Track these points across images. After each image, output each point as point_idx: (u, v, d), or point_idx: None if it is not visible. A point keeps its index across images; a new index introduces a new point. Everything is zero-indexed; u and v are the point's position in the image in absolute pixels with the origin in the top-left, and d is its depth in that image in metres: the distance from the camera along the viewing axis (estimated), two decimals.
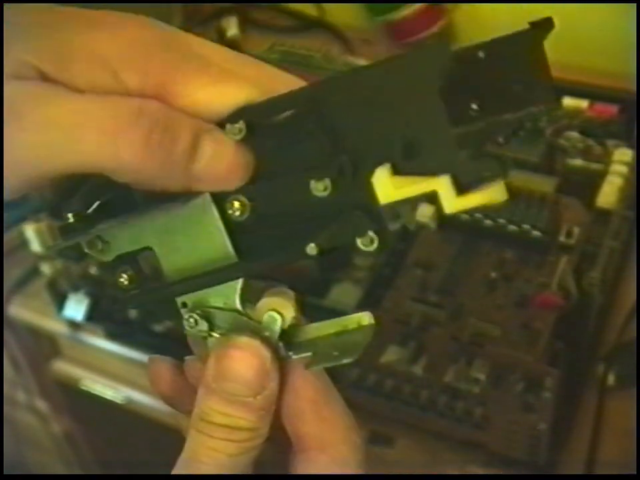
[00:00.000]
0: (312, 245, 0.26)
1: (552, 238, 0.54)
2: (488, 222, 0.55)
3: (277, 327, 0.27)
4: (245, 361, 0.26)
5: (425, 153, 0.24)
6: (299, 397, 0.28)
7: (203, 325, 0.28)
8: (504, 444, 0.52)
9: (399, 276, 0.54)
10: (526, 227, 0.54)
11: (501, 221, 0.55)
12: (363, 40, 0.82)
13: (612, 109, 0.60)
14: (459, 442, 0.54)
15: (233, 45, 0.75)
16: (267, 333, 0.27)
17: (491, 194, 0.23)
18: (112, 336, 0.66)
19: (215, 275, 0.27)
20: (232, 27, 0.78)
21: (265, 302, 0.27)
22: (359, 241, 0.25)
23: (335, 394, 0.29)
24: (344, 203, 0.25)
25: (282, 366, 0.27)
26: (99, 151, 0.23)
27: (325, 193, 0.25)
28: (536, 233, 0.54)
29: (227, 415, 0.26)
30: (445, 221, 0.56)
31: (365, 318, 0.27)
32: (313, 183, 0.25)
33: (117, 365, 0.72)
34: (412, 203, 0.25)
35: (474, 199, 0.23)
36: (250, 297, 0.28)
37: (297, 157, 0.25)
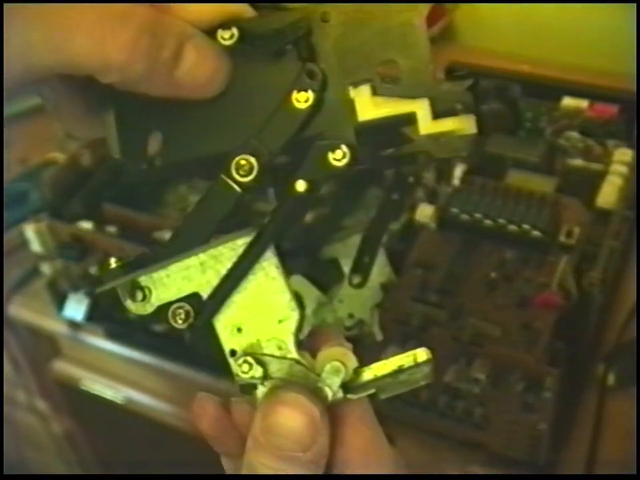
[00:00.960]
0: (300, 181, 0.26)
1: (552, 238, 0.54)
2: (488, 222, 0.55)
3: (341, 377, 0.27)
4: (293, 417, 0.26)
5: (406, 79, 0.26)
6: (348, 447, 0.27)
7: (258, 371, 0.27)
8: (504, 444, 0.52)
9: (399, 276, 0.54)
10: (526, 227, 0.54)
11: (501, 221, 0.55)
12: None
13: (612, 109, 0.60)
14: (459, 442, 0.54)
15: None
16: (327, 382, 0.27)
17: (462, 123, 0.26)
18: (112, 336, 0.66)
19: (248, 254, 0.27)
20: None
21: (328, 352, 0.27)
22: (330, 156, 0.26)
23: (383, 442, 0.28)
24: (323, 119, 0.26)
25: (334, 417, 0.27)
26: (88, 51, 0.24)
27: (306, 105, 0.26)
28: (536, 233, 0.54)
29: (275, 469, 0.26)
30: (445, 221, 0.56)
31: (423, 354, 0.28)
32: (295, 92, 0.26)
33: (117, 364, 0.72)
34: (389, 128, 0.26)
35: (447, 124, 0.26)
36: (302, 347, 0.27)
37: (280, 74, 0.26)
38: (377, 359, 0.52)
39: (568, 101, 0.61)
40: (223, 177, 0.26)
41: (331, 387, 0.26)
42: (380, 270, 0.34)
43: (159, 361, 0.65)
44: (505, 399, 0.50)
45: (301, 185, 0.26)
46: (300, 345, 0.27)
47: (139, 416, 0.74)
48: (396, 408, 0.54)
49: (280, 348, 0.27)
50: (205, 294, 0.27)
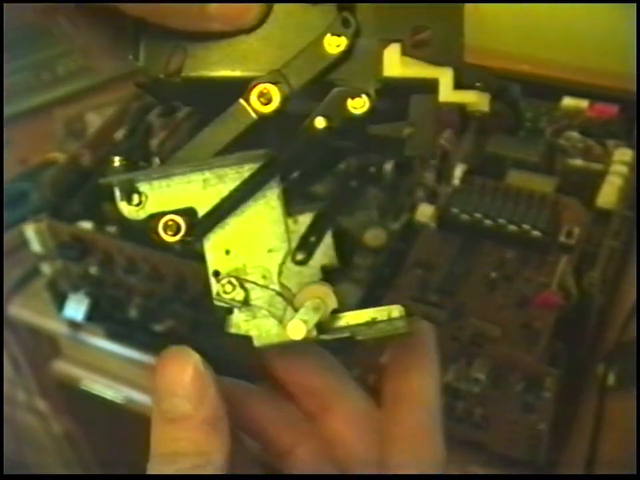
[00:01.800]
0: (319, 118, 0.27)
1: (552, 238, 0.54)
2: (488, 222, 0.55)
3: (319, 315, 0.27)
4: (174, 370, 0.25)
5: (436, 47, 0.27)
6: (399, 425, 0.28)
7: (239, 295, 0.27)
8: (504, 444, 0.52)
9: (399, 276, 0.54)
10: (526, 227, 0.54)
11: (501, 220, 0.55)
12: None
13: (612, 109, 0.60)
14: (459, 442, 0.54)
15: None
16: (305, 318, 0.27)
17: (479, 98, 0.28)
18: (112, 336, 0.66)
19: (253, 180, 0.27)
20: None
21: (310, 289, 0.27)
22: (350, 102, 0.27)
23: (436, 432, 0.30)
24: (350, 67, 0.27)
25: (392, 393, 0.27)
26: None
27: (337, 49, 0.27)
28: (536, 233, 0.54)
29: (171, 438, 0.25)
30: (445, 221, 0.56)
31: (395, 311, 0.28)
32: (328, 35, 0.27)
33: (117, 364, 0.72)
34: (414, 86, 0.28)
35: (466, 96, 0.28)
36: (287, 279, 0.27)
37: (316, 16, 0.27)
38: (376, 358, 0.52)
39: (568, 101, 0.61)
40: (242, 101, 0.27)
41: (307, 323, 0.26)
42: (324, 252, 0.35)
43: None
44: (504, 399, 0.50)
45: (320, 122, 0.27)
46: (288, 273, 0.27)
47: (138, 416, 0.74)
48: None
49: (264, 277, 0.27)
50: (201, 210, 0.27)
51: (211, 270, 0.27)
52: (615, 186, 0.56)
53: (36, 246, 0.63)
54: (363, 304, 0.53)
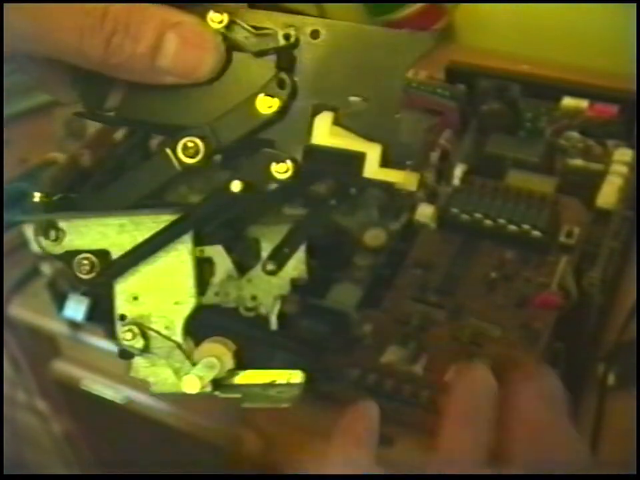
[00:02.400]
0: (235, 182, 0.27)
1: (552, 238, 0.54)
2: (488, 222, 0.55)
3: (213, 373, 0.28)
4: None
5: (370, 119, 0.26)
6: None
7: (139, 343, 0.28)
8: None
9: (399, 276, 0.54)
10: (526, 227, 0.54)
11: (501, 221, 0.55)
12: None
13: (612, 109, 0.60)
14: None
15: None
16: (200, 374, 0.28)
17: (406, 179, 0.27)
18: (112, 336, 0.66)
19: (168, 231, 0.27)
20: None
21: (209, 346, 0.28)
22: (274, 166, 0.27)
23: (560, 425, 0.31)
24: (280, 129, 0.27)
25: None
26: (68, 47, 0.26)
27: (268, 110, 0.27)
28: (536, 233, 0.54)
29: None
30: (445, 221, 0.56)
31: (296, 376, 0.29)
32: (261, 96, 0.27)
33: (117, 365, 0.72)
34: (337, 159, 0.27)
35: (390, 175, 0.27)
36: (190, 334, 0.28)
37: (255, 73, 0.27)
38: (376, 358, 0.53)
39: (568, 101, 0.61)
40: (168, 150, 0.27)
41: (202, 379, 0.27)
42: (296, 265, 0.36)
43: None
44: None
45: (236, 186, 0.27)
46: (187, 333, 0.28)
47: (138, 416, 0.74)
48: (396, 408, 0.54)
49: (167, 327, 0.28)
50: (115, 254, 0.27)
51: (117, 313, 0.28)
52: (615, 186, 0.56)
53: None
54: (363, 304, 0.53)
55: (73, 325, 0.67)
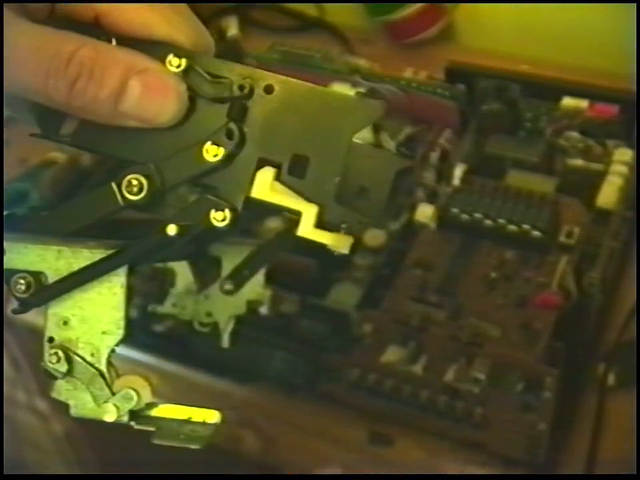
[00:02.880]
0: (171, 225, 0.28)
1: (552, 238, 0.54)
2: (488, 222, 0.55)
3: (130, 405, 0.30)
4: None
5: (310, 179, 0.27)
6: None
7: (63, 367, 0.29)
8: (504, 444, 0.52)
9: (399, 276, 0.54)
10: (526, 227, 0.54)
11: (501, 220, 0.55)
12: (362, 40, 0.82)
13: (612, 109, 0.60)
14: (459, 442, 0.54)
15: (233, 44, 0.75)
16: (117, 404, 0.30)
17: (339, 241, 0.28)
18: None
19: (102, 264, 0.28)
20: (232, 27, 0.78)
21: (128, 378, 0.30)
22: (212, 214, 0.28)
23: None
24: (224, 177, 0.28)
25: None
26: (34, 89, 0.27)
27: (213, 159, 0.27)
28: (536, 233, 0.54)
29: None
30: (445, 221, 0.56)
31: (213, 415, 0.30)
32: (208, 143, 0.27)
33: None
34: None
35: (324, 237, 0.27)
36: (114, 365, 0.30)
37: (206, 118, 0.28)
38: (376, 358, 0.53)
39: (568, 101, 0.61)
40: (113, 185, 0.28)
41: (119, 409, 0.30)
42: (254, 288, 0.37)
43: (159, 361, 0.65)
44: (504, 399, 0.50)
45: (171, 229, 0.28)
46: (110, 362, 0.30)
47: None
48: (396, 408, 0.54)
49: (92, 355, 0.29)
50: (51, 278, 0.28)
51: (47, 335, 0.29)
52: (615, 186, 0.56)
53: None
54: (363, 304, 0.53)
55: None
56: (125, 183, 0.28)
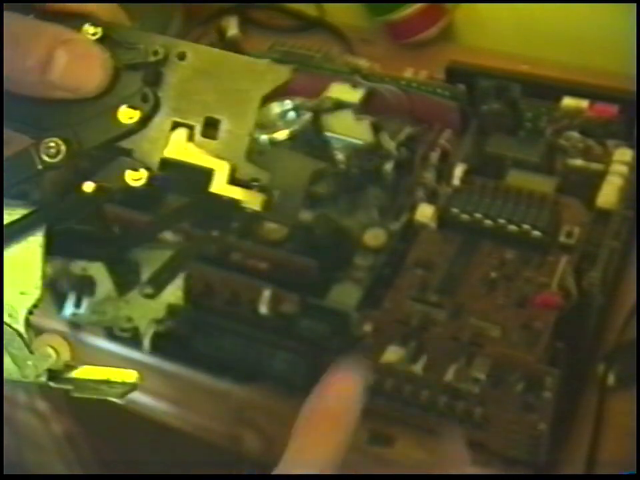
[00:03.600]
0: (88, 183, 0.29)
1: (552, 238, 0.54)
2: (488, 222, 0.55)
3: (48, 363, 0.30)
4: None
5: (223, 139, 0.29)
6: None
7: None
8: (504, 444, 0.52)
9: (399, 276, 0.54)
10: (526, 227, 0.54)
11: (501, 220, 0.55)
12: (363, 40, 0.82)
13: (612, 109, 0.60)
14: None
15: (233, 44, 0.75)
16: (35, 363, 0.29)
17: (250, 198, 0.29)
18: (112, 336, 0.66)
19: (20, 223, 0.30)
20: (232, 27, 0.78)
21: (46, 336, 0.30)
22: (128, 173, 0.29)
23: None
24: (140, 140, 0.29)
25: None
26: None
27: (129, 121, 0.29)
28: (536, 232, 0.54)
29: None
30: (445, 221, 0.56)
31: (131, 376, 0.32)
32: (124, 107, 0.29)
33: (117, 365, 0.72)
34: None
35: (235, 192, 0.29)
36: (32, 326, 0.30)
37: (122, 84, 0.29)
38: (376, 358, 0.53)
39: (568, 101, 0.61)
40: (32, 148, 0.29)
41: (37, 368, 0.29)
42: (173, 292, 0.38)
43: (159, 361, 0.65)
44: (504, 399, 0.50)
45: (88, 187, 0.29)
46: (28, 323, 0.30)
47: (138, 416, 0.74)
48: (396, 408, 0.54)
49: (10, 315, 0.29)
50: None
51: None
52: (615, 186, 0.56)
53: None
54: (363, 304, 0.53)
55: (73, 324, 0.67)
56: (43, 146, 0.29)
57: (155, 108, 0.29)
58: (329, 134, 0.63)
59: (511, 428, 0.51)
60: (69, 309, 0.65)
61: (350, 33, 0.82)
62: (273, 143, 0.63)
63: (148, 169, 0.29)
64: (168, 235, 0.57)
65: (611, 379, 0.54)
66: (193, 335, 0.60)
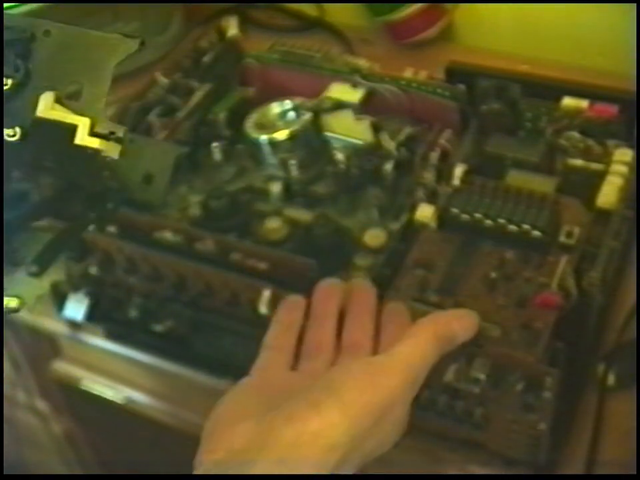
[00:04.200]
0: None
1: (552, 238, 0.54)
2: (488, 222, 0.55)
3: None
4: None
5: (85, 99, 0.35)
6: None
7: None
8: (504, 444, 0.52)
9: (399, 276, 0.54)
10: (526, 227, 0.54)
11: (501, 220, 0.55)
12: (362, 40, 0.82)
13: (612, 109, 0.60)
14: (459, 442, 0.54)
15: (233, 44, 0.75)
16: None
17: (109, 147, 0.35)
18: (112, 336, 0.66)
19: None
20: (232, 27, 0.78)
21: None
22: (5, 131, 0.35)
23: None
24: (17, 104, 0.36)
25: None
26: None
27: (5, 88, 0.36)
28: (536, 232, 0.54)
29: None
30: (445, 221, 0.56)
31: (12, 302, 0.39)
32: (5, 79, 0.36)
33: (117, 364, 0.72)
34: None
35: (96, 142, 0.35)
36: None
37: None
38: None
39: (568, 101, 0.61)
40: None
41: None
42: (57, 271, 0.43)
43: (159, 360, 0.65)
44: (505, 399, 0.50)
45: None
46: None
47: (138, 416, 0.74)
48: None
49: None
50: None
51: None
52: (615, 186, 0.56)
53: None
54: None
55: (73, 324, 0.67)
56: None
57: (26, 77, 0.35)
58: (328, 134, 0.63)
59: (510, 428, 0.51)
60: (69, 308, 0.65)
61: (350, 33, 0.82)
62: (273, 142, 0.63)
63: (21, 127, 0.35)
64: (168, 235, 0.57)
65: (611, 379, 0.54)
66: (193, 335, 0.60)
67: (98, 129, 0.35)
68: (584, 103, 0.60)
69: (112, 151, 0.35)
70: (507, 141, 0.62)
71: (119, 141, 0.35)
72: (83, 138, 0.35)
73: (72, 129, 0.35)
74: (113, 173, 0.39)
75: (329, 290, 0.51)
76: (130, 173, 0.38)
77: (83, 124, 0.35)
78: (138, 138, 0.38)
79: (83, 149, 0.35)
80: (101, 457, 0.90)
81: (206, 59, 0.71)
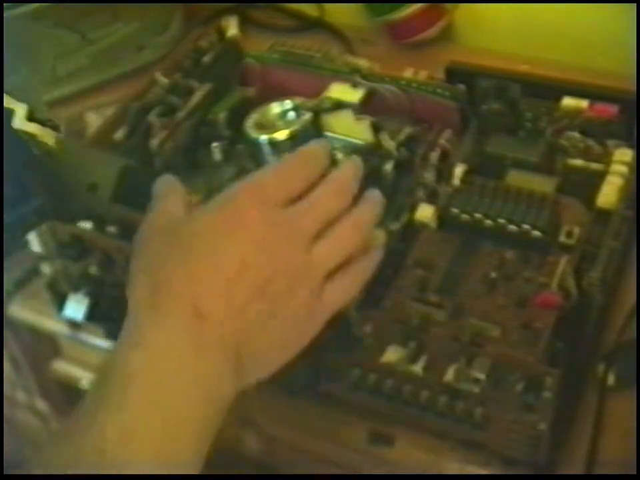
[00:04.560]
0: None
1: (552, 238, 0.54)
2: (488, 222, 0.55)
3: None
4: None
5: (22, 87, 0.38)
6: None
7: None
8: (504, 444, 0.52)
9: (399, 276, 0.54)
10: (526, 227, 0.54)
11: (501, 220, 0.55)
12: (363, 40, 0.82)
13: (612, 109, 0.60)
14: (459, 442, 0.54)
15: (233, 44, 0.75)
16: None
17: (44, 133, 0.38)
18: (112, 336, 0.66)
19: None
20: (232, 27, 0.78)
21: None
22: None
23: None
24: None
25: None
26: None
27: None
28: (536, 232, 0.54)
29: None
30: (445, 221, 0.56)
31: None
32: None
33: None
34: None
35: (32, 128, 0.37)
36: None
37: None
38: (376, 358, 0.53)
39: (568, 101, 0.61)
40: None
41: None
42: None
43: None
44: (504, 399, 0.50)
45: None
46: None
47: None
48: (396, 408, 0.54)
49: None
50: None
51: None
52: (615, 186, 0.56)
53: (36, 246, 0.63)
54: (363, 304, 0.53)
55: (73, 324, 0.67)
56: None
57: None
58: (328, 134, 0.63)
59: (510, 428, 0.51)
60: (69, 308, 0.65)
61: (350, 32, 0.82)
62: (273, 142, 0.63)
63: None
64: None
65: (610, 379, 0.54)
66: None
67: (36, 116, 0.38)
68: (584, 103, 0.60)
69: (48, 137, 0.38)
70: (507, 141, 0.62)
71: (55, 128, 0.38)
72: (20, 123, 0.37)
73: (9, 112, 0.37)
74: (58, 179, 0.41)
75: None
76: (75, 181, 0.41)
77: (20, 110, 0.37)
78: (83, 148, 0.41)
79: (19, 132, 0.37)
80: None
81: (206, 59, 0.71)
